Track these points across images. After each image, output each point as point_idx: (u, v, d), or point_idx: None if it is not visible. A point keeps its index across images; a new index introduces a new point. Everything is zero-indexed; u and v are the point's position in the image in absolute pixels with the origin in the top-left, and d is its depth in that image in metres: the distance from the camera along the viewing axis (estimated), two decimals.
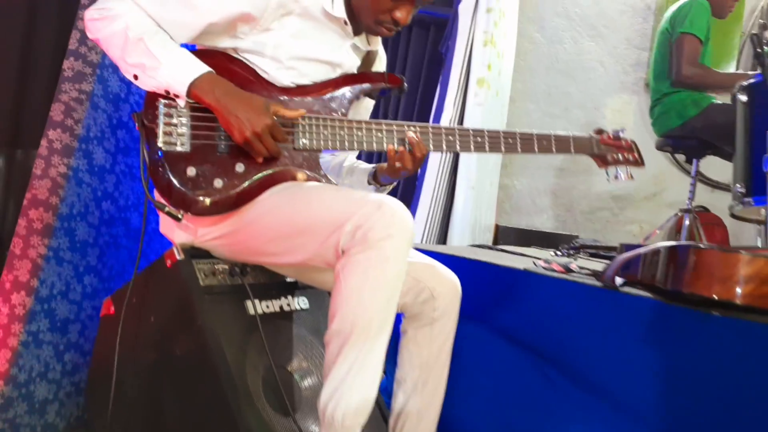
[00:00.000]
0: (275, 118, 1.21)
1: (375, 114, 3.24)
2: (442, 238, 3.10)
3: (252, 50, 1.29)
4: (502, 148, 1.37)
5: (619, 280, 1.72)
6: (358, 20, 1.33)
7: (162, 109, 1.21)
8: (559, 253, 2.45)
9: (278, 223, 1.21)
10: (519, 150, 1.39)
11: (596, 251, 2.36)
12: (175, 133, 1.20)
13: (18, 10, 1.81)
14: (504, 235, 4.10)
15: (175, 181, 1.18)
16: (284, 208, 1.21)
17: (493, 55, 3.01)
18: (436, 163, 2.91)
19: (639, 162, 1.53)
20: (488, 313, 1.93)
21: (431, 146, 1.32)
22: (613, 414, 1.35)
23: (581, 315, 1.75)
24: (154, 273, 1.34)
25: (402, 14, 1.27)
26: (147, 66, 1.19)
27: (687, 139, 2.59)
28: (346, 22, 1.32)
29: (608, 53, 4.59)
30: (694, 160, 2.63)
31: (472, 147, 1.35)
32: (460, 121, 2.97)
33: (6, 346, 1.53)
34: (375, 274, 1.05)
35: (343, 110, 1.32)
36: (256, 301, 1.34)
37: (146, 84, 1.21)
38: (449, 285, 1.42)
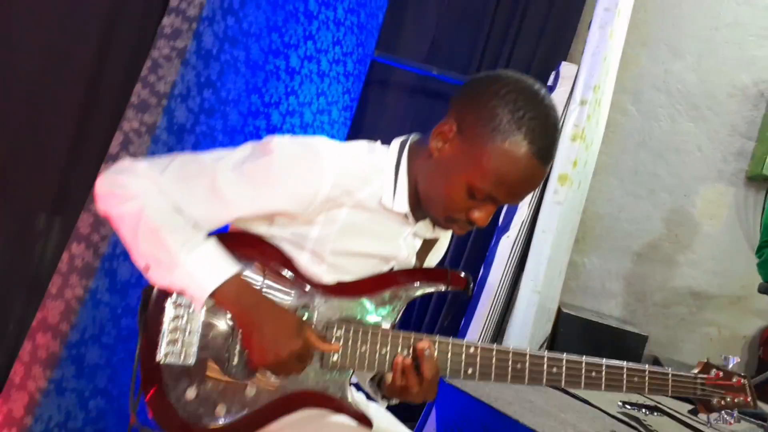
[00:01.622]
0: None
1: None
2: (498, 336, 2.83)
3: (290, 240, 1.07)
4: (582, 383, 1.10)
5: None
6: (426, 211, 1.08)
7: (170, 311, 1.00)
8: (628, 407, 2.13)
9: None
10: (603, 387, 1.11)
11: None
12: (180, 341, 0.99)
13: None
14: (566, 324, 3.77)
15: (171, 402, 0.97)
16: None
17: (581, 149, 2.70)
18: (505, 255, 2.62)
19: (752, 405, 1.21)
20: None
21: (477, 373, 1.05)
22: None
23: None
24: None
25: (481, 215, 1.03)
26: (162, 262, 1.00)
27: None
28: (407, 216, 1.08)
29: (708, 137, 4.16)
30: None
31: (544, 379, 1.08)
32: (533, 221, 2.68)
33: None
34: None
35: (392, 319, 1.08)
36: None
37: (158, 280, 1.01)
38: None
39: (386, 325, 1.07)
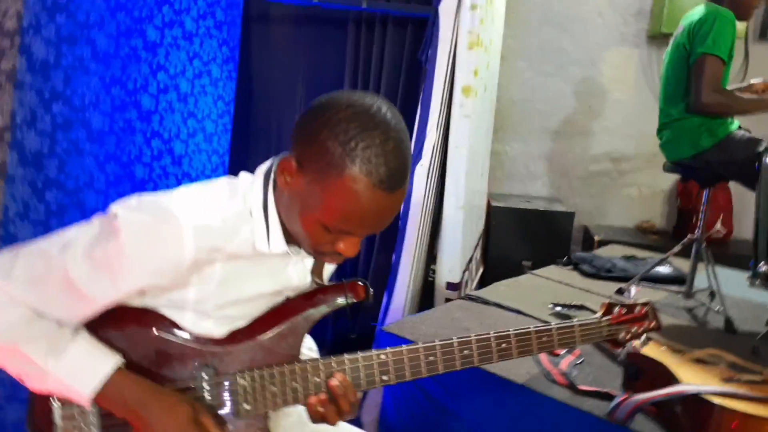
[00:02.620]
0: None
1: None
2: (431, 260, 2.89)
3: (169, 306, 1.00)
4: (494, 357, 1.12)
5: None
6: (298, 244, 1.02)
7: (58, 413, 0.94)
8: (558, 308, 2.24)
9: None
10: (515, 355, 1.13)
11: None
12: None
13: None
14: (497, 217, 3.87)
15: None
16: None
17: (480, 54, 2.62)
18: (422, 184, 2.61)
19: (657, 327, 1.27)
20: (485, 424, 1.76)
21: (393, 377, 1.06)
22: None
23: None
24: None
25: (346, 247, 0.95)
26: (31, 374, 0.92)
27: (700, 170, 2.29)
28: (287, 252, 1.01)
29: (607, 2, 4.11)
30: (706, 190, 2.34)
31: (458, 364, 1.09)
32: (445, 141, 2.64)
33: None
34: None
35: (295, 350, 1.05)
36: None
37: (35, 388, 0.94)
38: None
39: (291, 358, 1.05)
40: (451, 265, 2.73)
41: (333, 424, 1.02)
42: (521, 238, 3.85)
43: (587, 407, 1.59)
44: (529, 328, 1.15)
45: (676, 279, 2.72)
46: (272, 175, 0.99)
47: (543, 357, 1.83)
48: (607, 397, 1.61)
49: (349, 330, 1.20)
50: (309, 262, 1.10)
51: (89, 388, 0.91)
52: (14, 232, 1.48)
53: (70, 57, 1.55)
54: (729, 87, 2.22)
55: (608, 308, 1.23)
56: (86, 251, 0.90)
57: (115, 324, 0.98)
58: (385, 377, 1.07)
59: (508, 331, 1.14)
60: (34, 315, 0.92)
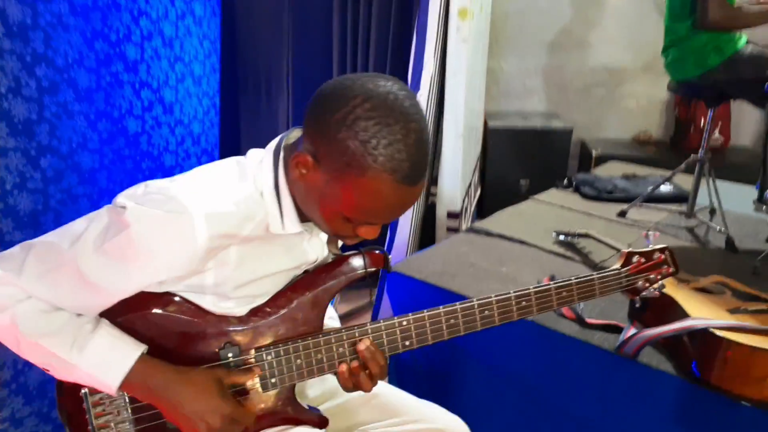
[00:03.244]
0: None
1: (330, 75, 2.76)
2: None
3: (187, 291, 0.99)
4: (515, 315, 1.13)
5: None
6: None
7: (89, 401, 0.95)
8: (561, 237, 2.25)
9: None
10: (535, 312, 1.14)
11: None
12: (113, 425, 0.95)
13: None
14: (494, 138, 3.82)
15: None
16: None
17: None
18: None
19: (675, 272, 1.28)
20: (494, 358, 1.82)
21: (415, 342, 1.07)
22: None
23: (596, 379, 1.65)
24: None
25: (367, 232, 0.94)
26: (56, 366, 0.92)
27: (706, 89, 2.23)
28: (302, 231, 0.99)
29: None
30: (710, 110, 2.30)
31: (479, 325, 1.10)
32: (443, 69, 2.55)
33: None
34: None
35: (318, 321, 1.05)
36: None
37: (62, 378, 0.94)
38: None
39: (314, 330, 1.05)
40: (451, 195, 2.71)
41: (368, 390, 1.04)
42: (518, 157, 3.82)
43: (596, 341, 1.63)
44: (549, 284, 1.16)
45: (676, 198, 2.72)
46: (281, 153, 0.95)
47: None
48: (616, 329, 1.65)
49: (371, 297, 1.19)
50: (324, 235, 1.08)
51: (115, 380, 0.92)
52: (14, 203, 1.44)
53: (47, 15, 1.44)
54: (736, 2, 2.13)
55: (627, 258, 1.23)
56: (96, 243, 0.89)
57: (137, 309, 0.98)
58: (407, 342, 1.08)
59: (528, 289, 1.14)
60: (51, 308, 0.92)
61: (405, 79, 2.49)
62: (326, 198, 0.88)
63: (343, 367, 1.03)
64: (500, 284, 1.94)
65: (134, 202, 0.88)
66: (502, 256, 2.15)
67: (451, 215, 2.75)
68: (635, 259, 1.22)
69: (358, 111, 0.82)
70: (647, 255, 1.24)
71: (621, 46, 4.15)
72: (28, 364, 1.45)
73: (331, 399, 1.26)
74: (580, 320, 1.70)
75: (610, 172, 3.20)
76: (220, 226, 0.90)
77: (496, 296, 1.12)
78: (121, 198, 0.90)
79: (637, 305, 1.66)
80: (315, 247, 1.06)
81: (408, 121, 0.83)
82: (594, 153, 3.86)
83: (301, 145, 0.90)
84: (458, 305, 1.10)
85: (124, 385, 0.93)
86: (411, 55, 2.48)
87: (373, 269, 1.07)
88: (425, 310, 1.09)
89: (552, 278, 1.92)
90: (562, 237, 2.25)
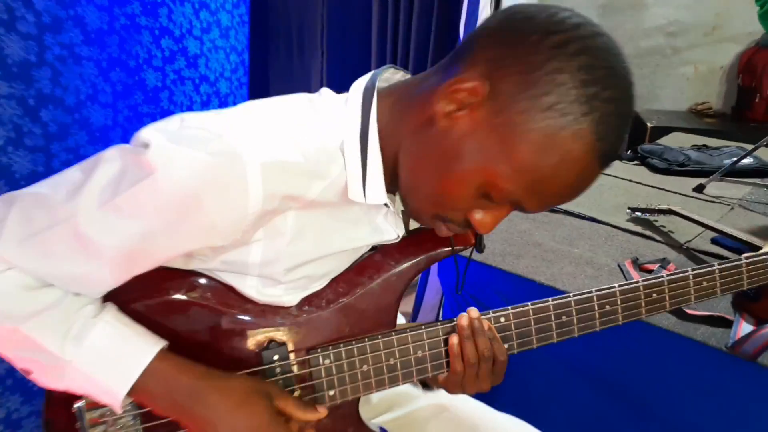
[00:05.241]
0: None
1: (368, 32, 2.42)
2: None
3: (224, 270, 0.73)
4: (643, 312, 0.86)
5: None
6: (403, 198, 0.72)
7: (85, 418, 0.70)
8: (638, 213, 1.98)
9: None
10: (668, 307, 0.88)
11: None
12: None
13: None
14: None
15: None
16: None
17: None
18: None
19: None
20: (574, 356, 1.56)
21: (515, 344, 0.81)
22: None
23: (701, 382, 1.39)
24: None
25: (487, 220, 0.67)
26: (42, 365, 0.66)
27: None
28: (386, 204, 0.73)
29: None
30: None
31: (597, 323, 0.84)
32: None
33: None
34: None
35: (390, 315, 0.79)
36: None
37: (49, 386, 0.68)
38: None
39: (384, 327, 0.80)
40: None
41: (486, 389, 0.80)
42: None
43: (700, 336, 1.36)
44: (687, 271, 0.88)
45: (757, 171, 2.42)
46: (375, 95, 0.69)
47: (634, 275, 1.59)
48: (723, 322, 1.38)
49: (456, 287, 0.93)
50: (400, 210, 0.81)
51: (123, 384, 0.66)
52: (8, 163, 1.20)
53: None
54: None
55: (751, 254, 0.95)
56: (105, 197, 0.62)
57: (154, 291, 0.73)
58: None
59: (662, 276, 0.87)
60: (39, 284, 0.66)
61: (456, 33, 2.20)
62: (476, 154, 0.61)
63: (454, 340, 0.77)
64: (574, 267, 1.67)
65: (165, 139, 0.61)
66: (571, 235, 1.88)
67: None
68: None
69: (587, 42, 0.58)
70: None
71: (679, 7, 3.81)
72: None
73: (392, 408, 1.01)
74: (678, 310, 1.43)
75: (675, 142, 2.89)
76: (282, 183, 0.63)
77: (619, 286, 0.85)
78: (147, 132, 0.63)
79: (751, 293, 1.38)
80: (393, 223, 0.78)
81: (631, 84, 0.61)
82: (649, 124, 3.54)
83: (457, 72, 0.62)
84: (572, 297, 0.84)
85: (136, 392, 0.67)
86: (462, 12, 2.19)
87: (460, 248, 0.81)
88: (529, 303, 0.83)
89: (634, 261, 1.66)
90: (638, 214, 1.97)
